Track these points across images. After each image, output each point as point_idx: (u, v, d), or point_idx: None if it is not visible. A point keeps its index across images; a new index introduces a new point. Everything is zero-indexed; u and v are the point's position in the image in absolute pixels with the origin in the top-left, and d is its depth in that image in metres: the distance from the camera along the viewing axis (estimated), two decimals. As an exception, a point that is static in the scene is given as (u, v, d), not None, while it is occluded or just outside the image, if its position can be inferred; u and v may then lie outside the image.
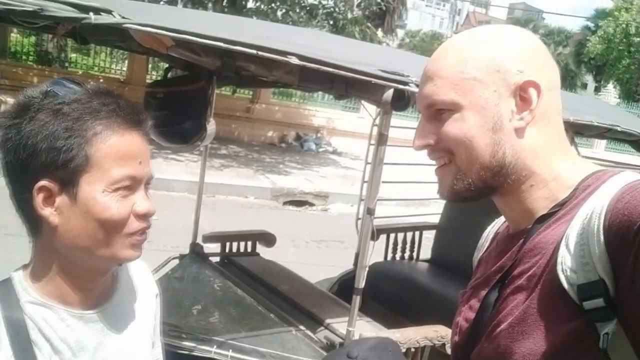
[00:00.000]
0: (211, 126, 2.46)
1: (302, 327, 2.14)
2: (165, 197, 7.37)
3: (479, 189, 0.87)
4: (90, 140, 0.87)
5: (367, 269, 1.89)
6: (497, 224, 1.05)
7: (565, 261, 0.75)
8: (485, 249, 1.05)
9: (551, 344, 0.75)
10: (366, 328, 2.06)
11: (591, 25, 30.43)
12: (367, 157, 3.06)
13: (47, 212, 0.88)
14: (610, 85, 17.10)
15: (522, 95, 0.83)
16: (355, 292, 1.89)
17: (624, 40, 25.38)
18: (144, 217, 0.92)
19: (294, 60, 1.38)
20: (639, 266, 0.66)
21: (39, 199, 0.88)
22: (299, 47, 1.49)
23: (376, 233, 3.39)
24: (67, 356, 0.93)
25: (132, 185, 0.90)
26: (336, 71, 1.47)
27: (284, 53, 1.38)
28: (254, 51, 1.32)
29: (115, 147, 0.88)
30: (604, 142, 14.52)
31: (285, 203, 8.54)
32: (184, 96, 2.30)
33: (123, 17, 1.17)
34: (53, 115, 0.87)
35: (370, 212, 1.83)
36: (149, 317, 1.12)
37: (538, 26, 42.91)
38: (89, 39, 1.54)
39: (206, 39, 1.26)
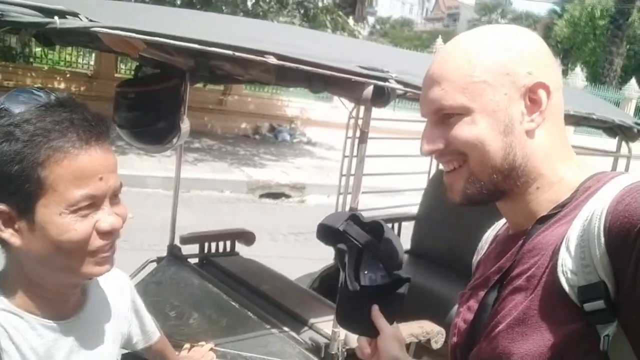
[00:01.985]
0: (185, 125, 2.40)
1: (285, 329, 2.10)
2: (140, 194, 7.25)
3: (491, 192, 0.86)
4: (43, 163, 0.84)
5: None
6: (497, 227, 1.05)
7: (565, 263, 0.75)
8: (484, 251, 1.04)
9: (551, 345, 0.74)
10: (351, 327, 2.03)
11: (558, 9, 30.84)
12: (345, 150, 3.04)
13: (7, 234, 0.87)
14: (578, 69, 17.39)
15: (532, 97, 0.83)
16: (340, 292, 1.86)
17: (590, 23, 25.81)
18: (108, 233, 0.90)
19: (272, 60, 1.34)
20: None
21: None
22: (276, 45, 1.44)
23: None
24: None
25: (94, 202, 0.88)
26: (315, 69, 1.43)
27: (261, 53, 1.34)
28: (230, 52, 1.27)
29: (70, 168, 0.85)
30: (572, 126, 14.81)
31: (261, 196, 8.48)
32: (156, 95, 2.24)
33: (90, 20, 1.11)
34: (3, 139, 0.84)
35: (353, 209, 1.80)
36: (119, 328, 1.13)
37: (506, 11, 43.41)
38: (54, 41, 1.47)
39: (180, 40, 1.21)
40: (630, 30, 23.05)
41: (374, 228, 1.00)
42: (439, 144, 0.87)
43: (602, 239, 0.71)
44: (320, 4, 10.58)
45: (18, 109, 0.86)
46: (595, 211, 0.74)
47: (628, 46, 22.47)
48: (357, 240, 0.99)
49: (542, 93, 0.82)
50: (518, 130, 0.83)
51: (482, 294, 0.90)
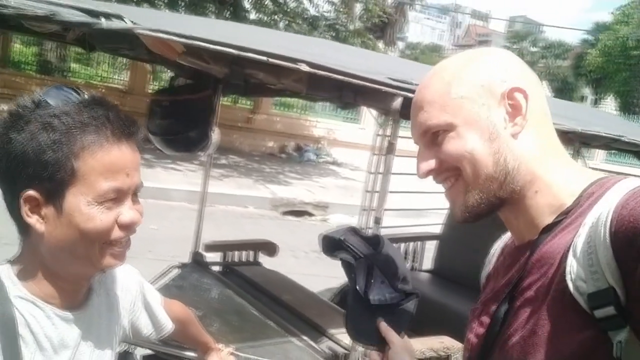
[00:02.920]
0: (216, 135, 2.46)
1: (305, 338, 2.11)
2: (164, 206, 7.35)
3: (490, 202, 0.87)
4: (77, 154, 0.88)
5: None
6: (504, 240, 1.05)
7: (573, 270, 0.75)
8: (492, 265, 1.04)
9: (564, 354, 0.74)
10: (370, 339, 2.03)
11: (590, 38, 30.62)
12: (371, 166, 3.06)
13: (33, 220, 0.91)
14: (609, 98, 17.17)
15: (511, 102, 0.85)
16: (361, 302, 1.86)
17: (623, 53, 25.53)
18: (129, 227, 0.95)
19: (304, 68, 1.38)
20: None
21: (25, 207, 0.91)
22: (308, 55, 1.48)
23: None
24: (49, 353, 0.96)
25: (119, 196, 0.92)
26: (346, 79, 1.47)
27: (294, 60, 1.38)
28: (264, 58, 1.32)
29: (102, 161, 0.90)
30: (603, 153, 14.56)
31: (284, 213, 8.52)
32: (190, 105, 2.30)
33: (134, 23, 1.17)
34: (42, 128, 0.88)
35: (377, 221, 1.82)
36: (119, 321, 1.16)
37: (538, 39, 43.15)
38: (97, 46, 1.54)
39: (218, 44, 1.26)
40: (664, 61, 22.76)
41: (373, 241, 1.02)
42: (432, 164, 0.89)
43: (609, 244, 0.70)
44: (351, 27, 10.72)
45: (56, 103, 0.91)
46: (600, 217, 0.74)
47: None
48: (356, 249, 1.02)
49: (519, 96, 0.85)
50: (503, 135, 0.85)
51: (493, 307, 0.90)
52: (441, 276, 3.43)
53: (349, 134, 13.34)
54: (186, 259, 2.90)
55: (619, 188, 0.79)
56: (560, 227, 0.82)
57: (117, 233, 0.94)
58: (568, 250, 0.77)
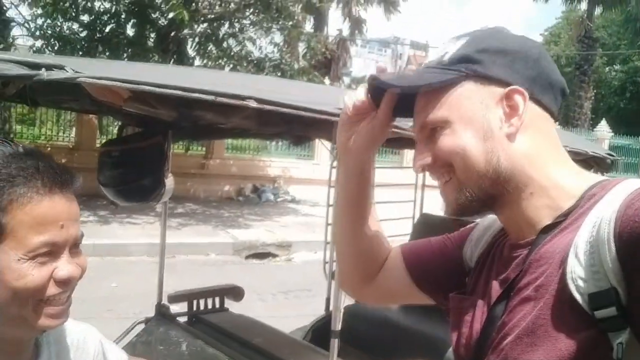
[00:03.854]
0: (170, 181, 2.42)
1: (281, 380, 2.06)
2: (123, 262, 7.14)
3: (481, 199, 0.87)
4: (5, 208, 0.84)
5: (342, 311, 1.84)
6: (491, 227, 1.03)
7: (574, 270, 0.74)
8: (482, 250, 1.01)
9: (562, 355, 0.73)
10: (346, 372, 1.99)
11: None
12: (329, 199, 3.07)
13: None
14: (548, 114, 17.97)
15: (509, 103, 0.85)
16: (333, 335, 1.84)
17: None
18: (65, 282, 0.90)
19: (253, 104, 1.38)
20: None
21: None
22: (256, 91, 1.49)
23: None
24: None
25: (53, 250, 0.88)
26: (295, 112, 1.48)
27: (242, 97, 1.38)
28: (211, 97, 1.32)
29: (31, 214, 0.86)
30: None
31: (248, 257, 8.40)
32: (140, 153, 2.27)
33: (76, 72, 1.15)
34: None
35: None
36: None
37: (475, 65, 44.69)
38: (39, 100, 1.51)
39: (163, 87, 1.25)
40: (596, 75, 24.00)
41: None
42: (426, 159, 0.89)
43: (613, 245, 0.70)
44: (296, 66, 10.89)
45: None
46: (604, 216, 0.73)
47: (595, 90, 23.32)
48: None
49: (518, 98, 0.85)
50: (498, 135, 0.85)
51: (487, 304, 0.89)
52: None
53: (305, 171, 13.39)
54: (150, 314, 2.80)
55: (621, 188, 0.79)
56: (560, 228, 0.82)
57: (52, 289, 0.89)
58: (568, 251, 0.77)
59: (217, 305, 2.92)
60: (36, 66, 1.11)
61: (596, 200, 0.80)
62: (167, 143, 2.36)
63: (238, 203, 12.21)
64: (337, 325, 1.83)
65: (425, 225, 3.49)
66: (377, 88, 0.92)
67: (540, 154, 0.87)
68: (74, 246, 0.92)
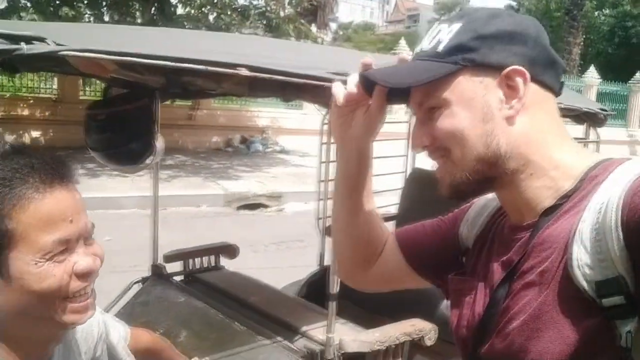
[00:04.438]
0: (159, 143, 2.38)
1: (279, 338, 2.09)
2: (116, 215, 7.14)
3: (478, 181, 0.85)
4: (8, 214, 0.81)
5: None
6: (489, 206, 1.01)
7: (580, 257, 0.73)
8: (480, 229, 1.00)
9: (568, 342, 0.73)
10: (345, 331, 2.03)
11: (514, 4, 31.46)
12: (320, 156, 3.04)
13: None
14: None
15: (509, 83, 0.82)
16: (331, 297, 1.86)
17: (545, 15, 26.42)
18: (86, 275, 0.89)
19: (245, 72, 1.34)
20: None
21: None
22: (247, 57, 1.44)
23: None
24: None
25: (68, 246, 0.86)
26: (287, 79, 1.43)
27: (234, 65, 1.33)
28: (202, 67, 1.27)
29: (37, 215, 0.83)
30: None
31: (239, 208, 8.43)
32: (127, 115, 2.21)
33: (58, 44, 1.09)
34: None
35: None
36: None
37: (464, 8, 43.90)
38: (20, 68, 1.44)
39: (152, 58, 1.20)
40: (585, 20, 23.63)
41: None
42: (424, 140, 0.87)
43: (620, 233, 0.69)
44: (282, 14, 10.61)
45: None
46: (609, 203, 0.72)
47: (584, 36, 23.03)
48: None
49: (518, 80, 0.82)
50: (498, 117, 0.83)
51: (489, 286, 0.89)
52: (403, 255, 3.46)
53: (293, 121, 13.28)
54: (145, 267, 2.82)
55: (623, 170, 0.78)
56: (562, 210, 0.81)
57: (75, 285, 0.87)
58: (572, 235, 0.76)
59: (212, 264, 2.94)
60: (16, 39, 1.05)
61: (598, 182, 0.79)
62: (154, 104, 2.30)
63: (227, 154, 12.15)
64: (335, 288, 1.85)
65: (417, 181, 3.49)
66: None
67: (541, 134, 0.85)
68: (87, 237, 0.90)
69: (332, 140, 1.84)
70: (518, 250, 0.85)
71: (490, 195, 0.99)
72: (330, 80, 1.52)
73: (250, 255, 6.08)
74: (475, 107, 0.82)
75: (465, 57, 0.82)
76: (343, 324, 2.19)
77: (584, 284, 0.72)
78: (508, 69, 0.82)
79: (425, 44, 0.87)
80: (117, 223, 6.71)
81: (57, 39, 1.12)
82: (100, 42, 1.22)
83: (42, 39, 1.09)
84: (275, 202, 8.70)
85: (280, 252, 6.42)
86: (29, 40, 1.06)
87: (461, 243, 1.03)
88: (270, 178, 9.86)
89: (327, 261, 2.98)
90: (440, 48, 0.84)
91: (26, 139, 10.87)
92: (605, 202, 0.73)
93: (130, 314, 2.40)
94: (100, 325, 1.18)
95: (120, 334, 1.26)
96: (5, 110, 10.78)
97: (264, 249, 6.46)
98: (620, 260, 0.69)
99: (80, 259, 0.87)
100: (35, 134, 10.95)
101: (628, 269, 0.69)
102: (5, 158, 0.84)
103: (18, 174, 0.83)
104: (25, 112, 11.16)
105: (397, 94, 0.91)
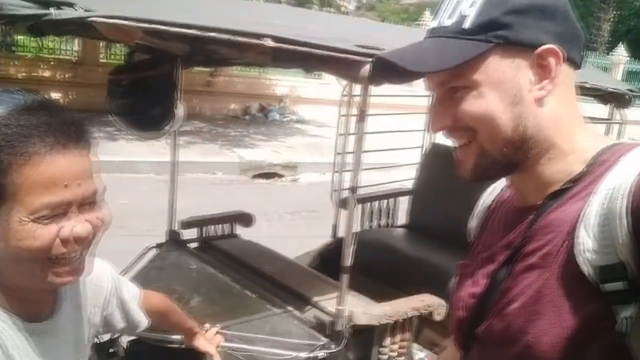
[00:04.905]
0: (180, 110, 2.39)
1: (290, 308, 2.13)
2: (133, 179, 7.23)
3: (503, 165, 0.84)
4: (5, 170, 0.82)
5: (353, 246, 1.88)
6: (495, 190, 1.02)
7: (584, 242, 0.73)
8: (483, 217, 1.02)
9: (566, 325, 0.74)
10: (355, 304, 2.06)
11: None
12: (339, 128, 3.04)
13: None
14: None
15: (541, 63, 0.79)
16: (344, 270, 1.88)
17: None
18: (71, 241, 0.88)
19: (269, 43, 1.34)
20: None
21: None
22: (272, 27, 1.43)
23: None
24: None
25: (58, 210, 0.86)
26: (312, 50, 1.43)
27: (259, 36, 1.33)
28: (227, 36, 1.27)
29: (32, 176, 0.83)
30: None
31: (254, 176, 8.48)
32: (149, 81, 2.22)
33: (86, 10, 1.10)
34: None
35: (354, 190, 1.81)
36: (92, 321, 1.15)
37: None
38: (46, 32, 1.45)
39: (178, 27, 1.20)
40: (618, -5, 22.93)
41: None
42: (447, 121, 0.84)
43: (626, 220, 0.68)
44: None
45: None
46: (617, 189, 0.71)
47: (615, 12, 22.36)
48: None
49: (551, 60, 0.79)
50: (527, 99, 0.80)
51: (490, 268, 0.89)
52: (416, 231, 3.48)
53: (313, 91, 13.19)
54: (160, 231, 2.85)
55: (633, 155, 0.77)
56: (569, 195, 0.80)
57: (58, 249, 0.87)
58: (578, 220, 0.75)
59: (228, 232, 2.98)
60: (45, 4, 1.06)
61: (607, 167, 0.78)
62: (176, 71, 2.31)
63: (244, 122, 12.15)
64: (348, 261, 1.87)
65: (435, 156, 3.48)
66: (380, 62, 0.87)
67: (566, 117, 0.83)
68: (87, 203, 0.90)
69: (350, 113, 1.84)
70: (521, 233, 0.85)
71: (493, 185, 1.00)
72: (356, 54, 1.52)
73: (264, 224, 6.14)
74: (505, 90, 0.80)
75: (497, 34, 0.78)
76: (354, 297, 2.22)
77: (587, 269, 0.72)
78: (542, 48, 0.78)
79: (445, 19, 0.82)
80: (134, 187, 6.79)
81: (85, 3, 1.13)
82: (127, 9, 1.22)
83: (70, 4, 1.09)
84: (290, 172, 8.73)
85: (294, 221, 6.47)
86: (58, 5, 1.07)
87: (471, 236, 1.05)
88: (287, 148, 9.86)
89: (341, 233, 3.00)
90: (467, 24, 0.79)
91: (47, 99, 10.96)
92: (613, 188, 0.72)
93: (145, 279, 2.45)
94: (110, 281, 1.20)
95: (133, 292, 1.29)
96: (27, 71, 10.84)
97: (278, 218, 6.51)
98: (625, 246, 0.68)
99: (68, 225, 0.87)
100: (56, 95, 11.02)
101: (633, 256, 0.68)
102: (24, 113, 0.84)
103: (23, 130, 0.82)
104: (47, 74, 11.22)
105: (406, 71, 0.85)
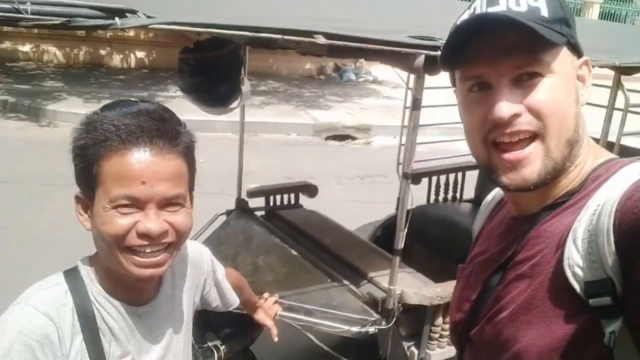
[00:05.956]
0: (246, 87, 2.47)
1: (346, 282, 2.21)
2: (209, 138, 7.50)
3: (558, 170, 0.82)
4: (98, 161, 0.93)
5: (405, 230, 1.92)
6: (497, 197, 1.05)
7: (572, 257, 0.74)
8: (485, 219, 1.05)
9: (555, 337, 0.76)
10: (409, 282, 2.11)
11: None
12: (406, 101, 3.02)
13: (82, 218, 1.00)
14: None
15: (579, 73, 0.83)
16: (395, 252, 1.93)
17: None
18: (145, 236, 0.95)
19: (321, 41, 1.37)
20: None
21: (77, 206, 1.00)
22: (325, 22, 1.46)
23: (419, 177, 3.40)
24: (124, 343, 1.04)
25: (135, 204, 0.94)
26: (365, 45, 1.45)
27: (310, 33, 1.37)
28: (279, 36, 1.32)
29: (115, 167, 0.93)
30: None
31: (327, 138, 8.56)
32: (216, 61, 2.31)
33: (148, 17, 1.18)
34: (86, 131, 0.95)
35: (407, 176, 1.84)
36: (192, 297, 1.24)
37: None
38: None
39: (230, 29, 1.26)
40: None
41: None
42: (518, 108, 0.78)
43: (612, 236, 0.69)
44: None
45: (107, 111, 0.96)
46: (604, 206, 0.72)
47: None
48: None
49: (586, 70, 0.82)
50: (579, 102, 0.82)
51: (484, 273, 0.92)
52: (482, 205, 3.44)
53: (389, 49, 12.93)
54: (233, 191, 2.99)
55: (624, 174, 0.78)
56: (563, 207, 0.82)
57: (133, 240, 0.95)
58: (567, 234, 0.77)
59: (293, 202, 3.09)
60: (111, 12, 1.14)
61: (599, 183, 0.79)
62: (243, 49, 2.38)
63: (319, 82, 12.18)
64: (400, 243, 1.91)
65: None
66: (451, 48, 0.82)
67: (586, 127, 0.84)
68: (169, 205, 0.96)
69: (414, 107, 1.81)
70: (515, 241, 0.87)
71: (494, 191, 1.02)
72: (410, 46, 1.52)
73: (335, 187, 6.24)
74: (572, 87, 0.81)
75: (568, 32, 0.80)
76: (409, 274, 2.27)
77: (574, 283, 0.74)
78: (584, 58, 0.82)
79: (512, 5, 0.78)
80: (210, 146, 7.06)
81: (147, 10, 1.21)
82: (183, 8, 1.29)
83: (133, 12, 1.18)
84: (363, 135, 8.73)
85: (364, 186, 6.51)
86: (121, 13, 1.16)
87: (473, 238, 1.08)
88: (360, 109, 9.83)
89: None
90: (545, 14, 0.77)
91: (132, 59, 11.48)
92: (601, 204, 0.73)
93: (216, 244, 2.62)
94: (209, 263, 1.32)
95: (222, 271, 1.40)
96: (114, 31, 11.33)
97: (348, 182, 6.58)
98: (611, 262, 0.69)
99: (143, 220, 0.94)
100: (140, 54, 11.52)
101: (617, 272, 0.69)
102: (131, 115, 0.94)
103: (119, 130, 0.92)
104: (131, 33, 11.70)
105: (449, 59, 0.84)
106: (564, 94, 0.79)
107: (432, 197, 3.57)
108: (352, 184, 6.57)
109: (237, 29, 1.26)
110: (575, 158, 0.83)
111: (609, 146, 2.23)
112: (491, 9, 0.79)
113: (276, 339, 1.65)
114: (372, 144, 8.50)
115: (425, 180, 3.51)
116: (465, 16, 0.82)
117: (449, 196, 3.59)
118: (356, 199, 5.91)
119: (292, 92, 10.86)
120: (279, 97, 10.18)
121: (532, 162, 0.80)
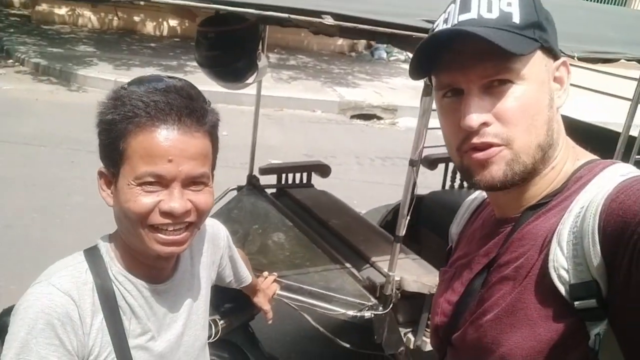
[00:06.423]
0: (262, 62, 2.46)
1: (347, 265, 2.22)
2: (236, 111, 7.52)
3: (527, 173, 0.81)
4: (125, 137, 0.93)
5: (408, 217, 1.91)
6: (478, 199, 1.04)
7: (557, 259, 0.74)
8: (466, 222, 1.04)
9: (540, 339, 0.76)
10: (410, 269, 2.11)
11: None
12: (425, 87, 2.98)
13: (104, 194, 1.00)
14: None
15: (556, 75, 0.82)
16: (396, 239, 1.92)
17: None
18: (168, 214, 0.95)
19: (329, 21, 1.35)
20: (634, 269, 0.64)
21: (100, 181, 1.00)
22: (336, 2, 1.44)
23: (435, 162, 3.37)
24: (144, 320, 1.05)
25: (160, 182, 0.94)
26: (374, 28, 1.42)
27: (318, 13, 1.35)
28: (285, 15, 1.31)
29: (142, 144, 0.92)
30: None
31: (352, 117, 8.50)
32: (235, 35, 2.30)
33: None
34: (113, 106, 0.94)
35: (412, 163, 1.82)
36: (209, 275, 1.25)
37: None
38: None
39: (237, 6, 1.25)
40: None
41: None
42: (487, 117, 0.78)
43: (597, 238, 0.69)
44: None
45: (134, 86, 0.95)
46: (589, 208, 0.72)
47: None
48: None
49: (563, 70, 0.82)
50: (554, 106, 0.81)
51: (467, 276, 0.91)
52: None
53: (423, 30, 12.71)
54: (255, 166, 3.00)
55: (607, 175, 0.78)
56: (546, 209, 0.82)
57: (156, 218, 0.94)
58: (551, 236, 0.77)
59: (305, 181, 3.09)
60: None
61: (582, 185, 0.79)
62: (260, 25, 2.37)
63: (350, 59, 12.06)
64: (402, 230, 1.91)
65: None
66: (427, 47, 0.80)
67: (563, 128, 0.85)
68: (193, 183, 0.96)
69: (425, 93, 1.78)
70: (497, 243, 0.87)
71: (475, 193, 1.01)
72: (422, 30, 1.49)
73: (355, 167, 6.22)
74: (544, 91, 0.80)
75: (542, 36, 0.79)
76: (413, 260, 2.26)
77: (560, 286, 0.74)
78: (561, 60, 0.82)
79: (484, 12, 0.77)
80: (235, 119, 7.07)
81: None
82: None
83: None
84: (389, 115, 8.64)
85: (385, 167, 6.47)
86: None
87: (451, 241, 1.07)
88: (389, 89, 9.72)
89: (419, 191, 2.99)
90: (516, 20, 0.77)
91: (164, 27, 11.52)
92: (585, 206, 0.73)
93: (226, 219, 2.64)
94: (226, 240, 1.33)
95: (236, 251, 1.42)
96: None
97: (369, 162, 6.54)
98: (595, 265, 0.69)
99: (167, 198, 0.94)
100: (173, 23, 11.55)
101: (602, 274, 0.69)
102: (160, 91, 0.93)
103: (147, 107, 0.91)
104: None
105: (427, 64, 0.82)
106: (534, 100, 0.78)
107: (448, 183, 3.53)
108: (372, 164, 6.53)
109: (243, 6, 1.25)
110: (549, 161, 0.82)
111: (630, 140, 2.17)
112: (462, 17, 0.79)
113: (270, 322, 1.66)
114: (398, 125, 8.41)
115: (441, 166, 3.48)
116: (439, 25, 0.82)
117: (466, 184, 3.55)
118: (374, 180, 5.88)
119: (321, 67, 10.78)
120: (307, 73, 10.12)
121: (498, 162, 0.80)
